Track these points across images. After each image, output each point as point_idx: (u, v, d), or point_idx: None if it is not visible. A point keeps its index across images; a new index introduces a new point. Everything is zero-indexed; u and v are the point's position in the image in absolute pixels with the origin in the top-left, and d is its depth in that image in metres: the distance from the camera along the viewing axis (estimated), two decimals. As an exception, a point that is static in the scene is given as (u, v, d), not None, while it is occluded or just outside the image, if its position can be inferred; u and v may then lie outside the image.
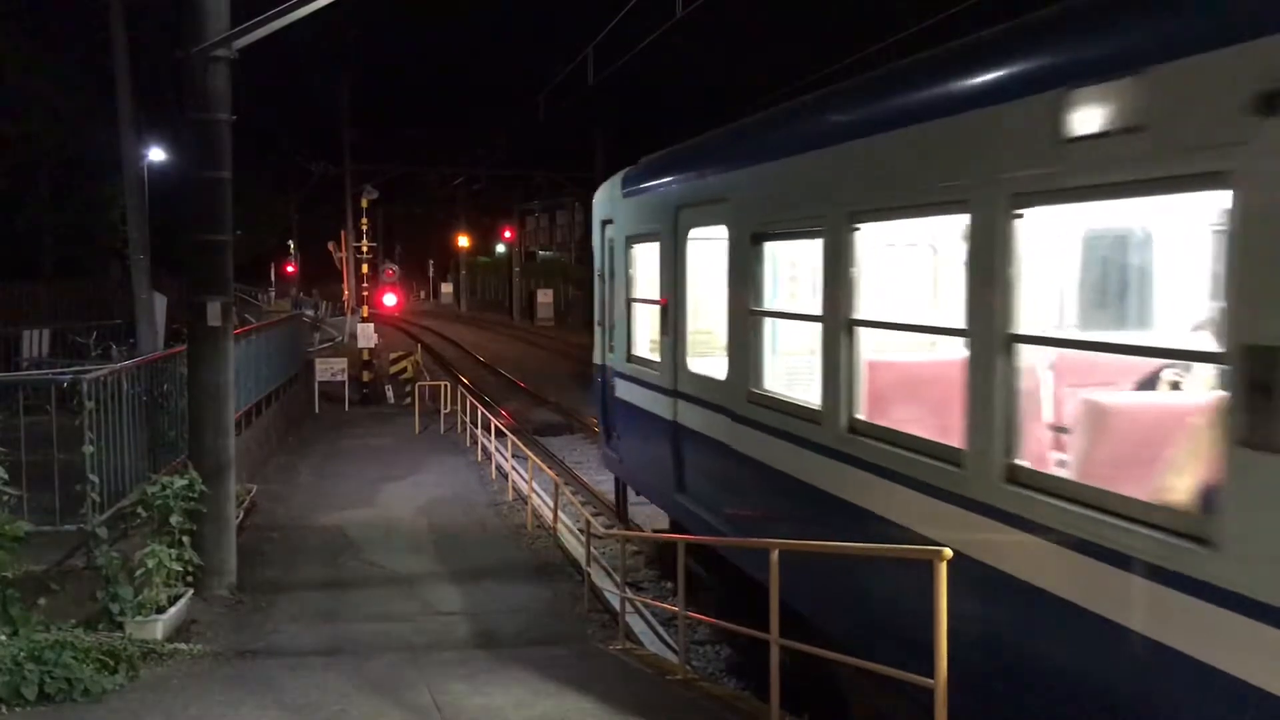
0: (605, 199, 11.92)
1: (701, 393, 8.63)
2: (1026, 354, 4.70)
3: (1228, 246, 3.56)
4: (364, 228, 28.94)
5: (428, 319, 65.79)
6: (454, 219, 77.93)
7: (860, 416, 6.06)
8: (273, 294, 64.39)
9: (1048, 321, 5.00)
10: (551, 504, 13.48)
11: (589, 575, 10.65)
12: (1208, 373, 3.84)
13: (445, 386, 23.91)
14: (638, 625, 9.80)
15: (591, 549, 11.18)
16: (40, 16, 28.58)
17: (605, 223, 11.76)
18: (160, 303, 24.29)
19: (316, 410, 24.44)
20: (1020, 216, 4.58)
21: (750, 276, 7.59)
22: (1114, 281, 4.64)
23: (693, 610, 8.27)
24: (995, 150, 4.77)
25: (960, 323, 4.95)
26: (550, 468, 14.58)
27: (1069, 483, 4.45)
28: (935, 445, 5.26)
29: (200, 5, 9.95)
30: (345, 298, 53.65)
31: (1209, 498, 3.68)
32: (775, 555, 6.30)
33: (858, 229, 6.06)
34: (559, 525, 13.00)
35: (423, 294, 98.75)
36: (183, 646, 8.47)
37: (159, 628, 8.53)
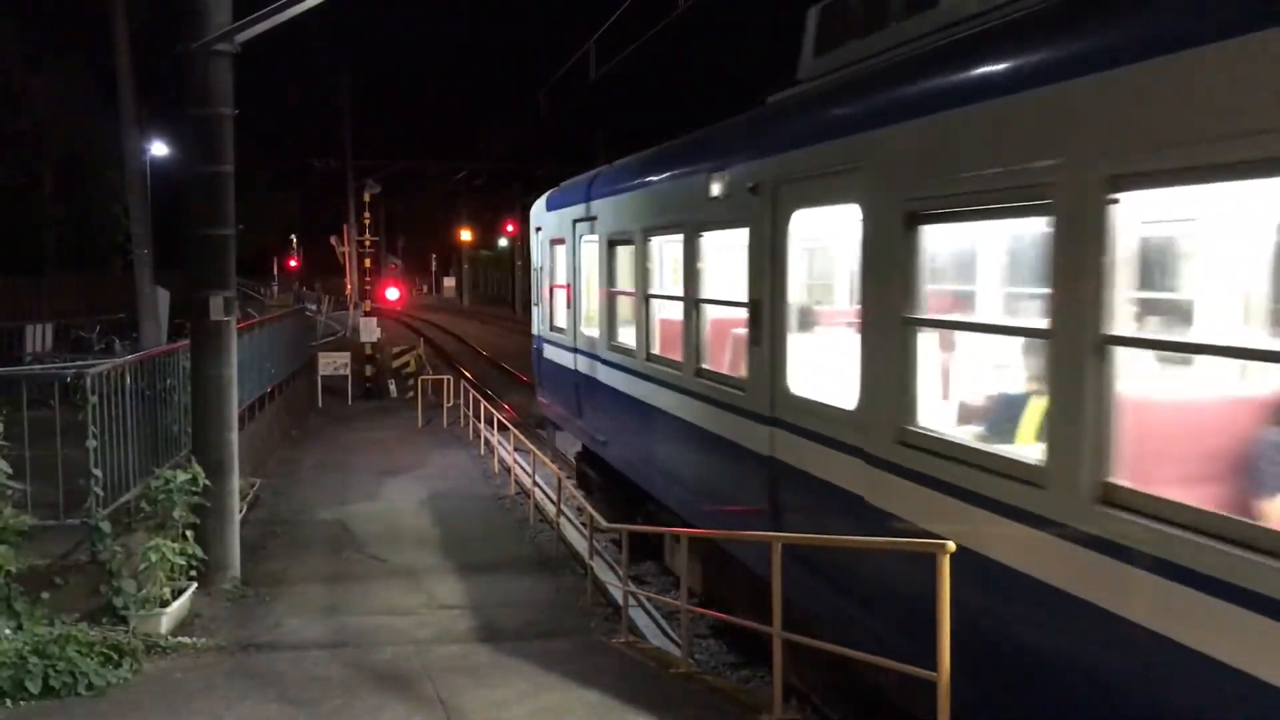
0: (537, 211, 16.00)
1: (588, 347, 12.42)
2: (707, 310, 8.72)
3: (748, 257, 7.51)
4: (366, 222, 28.94)
5: (430, 313, 65.83)
6: (456, 213, 77.87)
7: (655, 351, 9.96)
8: (275, 288, 64.40)
9: (720, 292, 8.55)
10: (554, 498, 13.50)
11: (591, 569, 10.67)
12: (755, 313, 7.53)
13: (448, 380, 23.93)
14: (640, 619, 9.82)
15: (594, 542, 11.20)
16: (43, 12, 28.58)
17: (537, 229, 15.80)
18: (163, 297, 24.31)
19: (319, 404, 24.48)
20: (701, 236, 8.66)
21: (609, 268, 11.36)
22: (739, 271, 7.86)
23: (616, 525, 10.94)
24: (691, 201, 8.70)
25: (680, 292, 9.02)
26: (553, 461, 14.59)
27: (701, 368, 8.68)
28: (666, 359, 9.58)
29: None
30: (348, 292, 53.64)
31: (747, 369, 7.66)
32: (778, 548, 6.32)
33: (650, 240, 9.98)
34: (561, 519, 13.01)
35: (425, 288, 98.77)
36: (186, 640, 8.49)
37: (162, 622, 8.56)
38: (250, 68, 10.81)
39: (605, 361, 11.55)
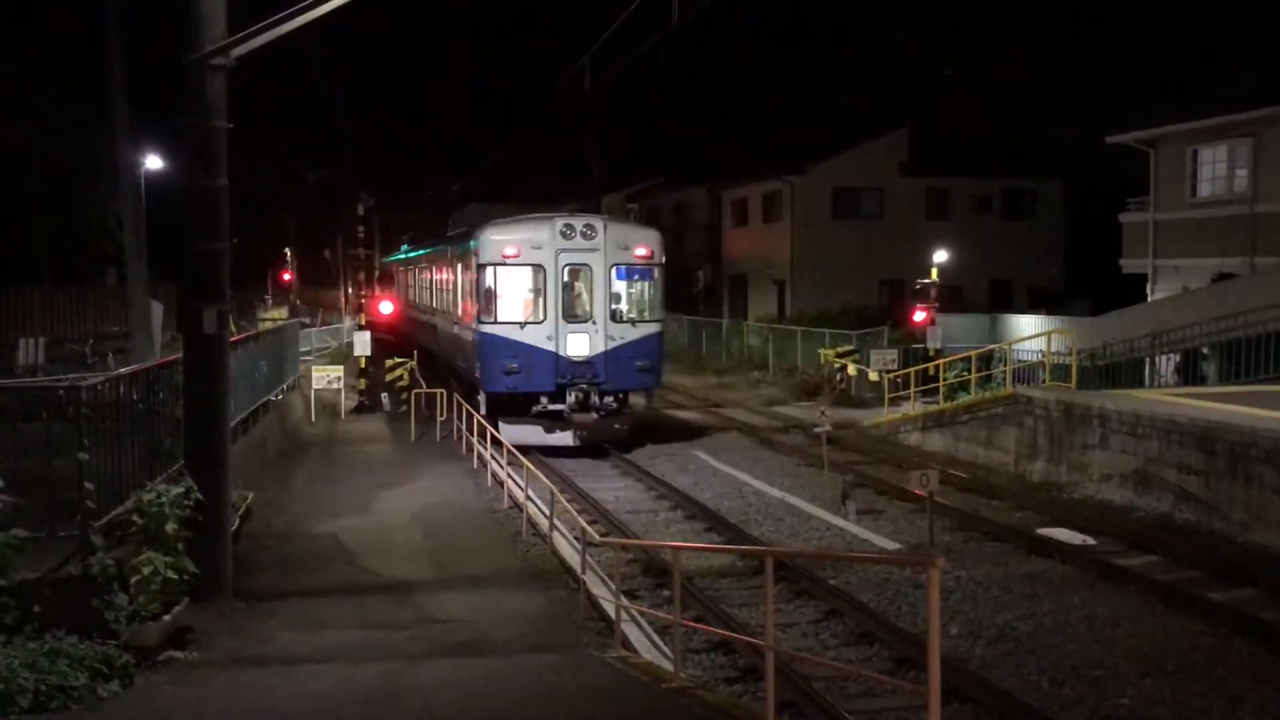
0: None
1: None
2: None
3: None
4: (360, 234, 28.95)
5: (424, 326, 65.68)
6: (450, 225, 77.89)
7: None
8: (269, 301, 64.27)
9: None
10: (547, 512, 13.49)
11: (584, 583, 10.66)
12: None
13: (441, 394, 23.92)
14: (633, 633, 9.80)
15: (587, 557, 11.19)
16: (38, 24, 28.61)
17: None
18: (157, 310, 24.31)
19: (313, 418, 24.46)
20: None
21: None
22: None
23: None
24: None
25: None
26: (545, 475, 14.59)
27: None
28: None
29: (198, 13, 9.96)
30: (342, 305, 53.60)
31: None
32: (769, 565, 6.34)
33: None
34: (554, 533, 13.01)
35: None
36: (178, 654, 8.47)
37: (154, 635, 8.52)
38: (246, 79, 10.82)
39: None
